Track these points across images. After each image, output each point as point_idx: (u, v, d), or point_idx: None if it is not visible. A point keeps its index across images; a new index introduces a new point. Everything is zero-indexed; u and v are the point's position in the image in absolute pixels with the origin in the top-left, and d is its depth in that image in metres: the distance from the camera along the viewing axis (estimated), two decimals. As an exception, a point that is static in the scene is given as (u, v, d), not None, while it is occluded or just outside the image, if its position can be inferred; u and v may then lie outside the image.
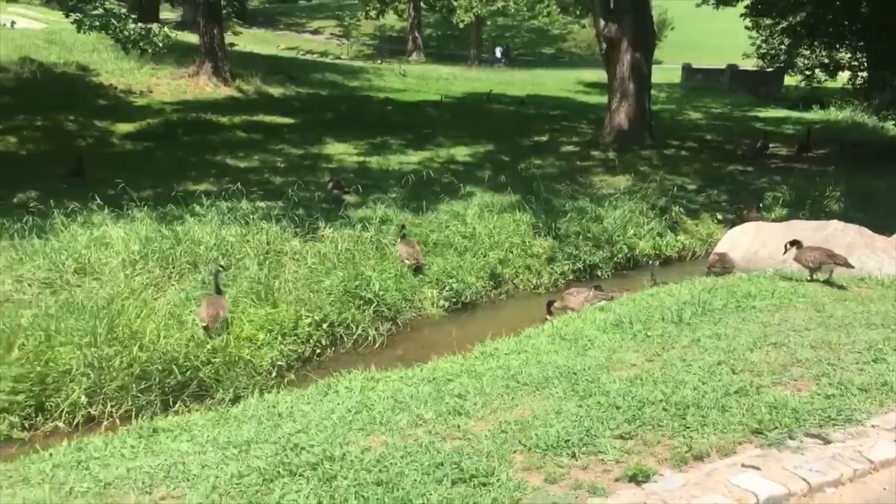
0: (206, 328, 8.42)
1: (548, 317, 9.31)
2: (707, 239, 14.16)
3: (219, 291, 9.03)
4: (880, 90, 24.01)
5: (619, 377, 6.14)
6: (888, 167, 17.92)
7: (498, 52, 46.52)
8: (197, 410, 7.13)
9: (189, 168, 15.81)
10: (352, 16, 50.31)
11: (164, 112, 21.37)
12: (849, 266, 9.04)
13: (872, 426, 5.14)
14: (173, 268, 10.00)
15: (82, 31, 17.94)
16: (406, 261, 11.04)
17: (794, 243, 9.36)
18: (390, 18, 51.10)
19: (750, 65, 34.85)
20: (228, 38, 30.64)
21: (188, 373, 7.92)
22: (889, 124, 24.82)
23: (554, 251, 12.62)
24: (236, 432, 5.56)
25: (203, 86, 24.81)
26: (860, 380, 5.79)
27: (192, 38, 27.50)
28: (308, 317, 9.33)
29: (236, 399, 7.54)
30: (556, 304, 9.63)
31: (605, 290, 9.89)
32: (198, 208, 11.75)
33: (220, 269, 9.46)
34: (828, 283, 9.10)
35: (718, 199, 16.07)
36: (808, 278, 9.22)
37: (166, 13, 48.38)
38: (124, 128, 19.42)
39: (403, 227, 11.68)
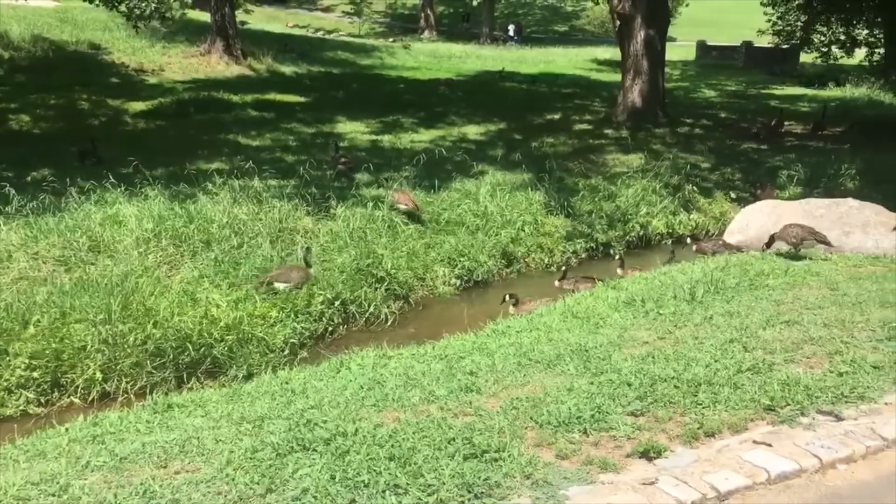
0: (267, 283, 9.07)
1: (511, 309, 9.33)
2: (720, 217, 14.09)
3: (307, 265, 9.46)
4: (898, 67, 23.76)
5: (631, 355, 6.14)
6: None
7: (511, 29, 46.20)
8: (211, 387, 7.21)
9: (201, 146, 15.82)
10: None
11: (175, 91, 21.37)
12: (828, 244, 9.32)
13: (886, 403, 5.13)
14: (186, 246, 10.05)
15: (95, 4, 17.81)
16: (401, 205, 11.42)
17: (772, 237, 9.61)
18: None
19: (765, 42, 34.48)
20: (240, 15, 30.55)
21: (202, 350, 7.97)
22: (906, 101, 24.58)
23: (566, 230, 12.59)
24: (250, 408, 5.60)
25: (214, 64, 24.77)
26: (874, 357, 5.77)
27: (204, 16, 27.46)
28: (320, 295, 9.37)
29: (249, 376, 7.62)
30: (509, 303, 9.51)
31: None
32: (210, 187, 11.77)
33: (309, 249, 9.84)
34: (798, 257, 9.38)
35: (732, 177, 15.94)
36: (786, 251, 9.49)
37: (178, -9, 48.23)
38: (137, 106, 19.45)
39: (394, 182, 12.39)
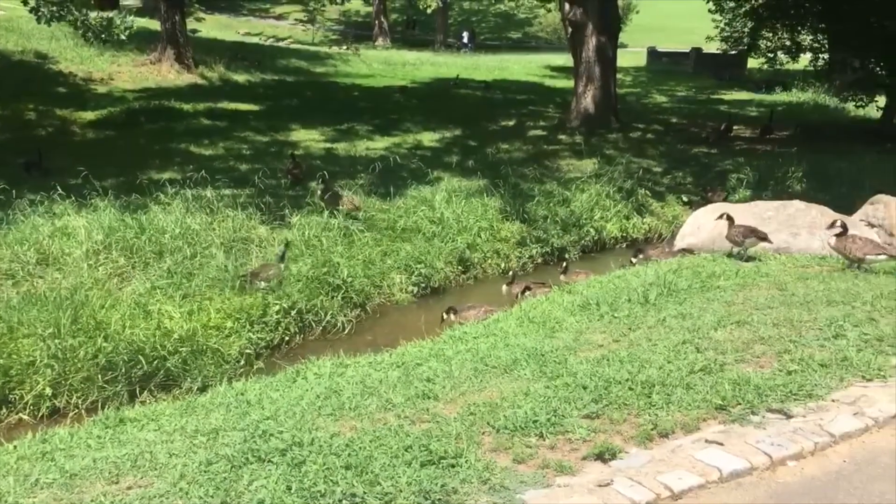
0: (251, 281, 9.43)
1: (446, 316, 9.41)
2: (673, 221, 14.32)
3: (282, 260, 9.76)
4: (841, 72, 24.23)
5: (587, 358, 6.20)
6: (849, 148, 18.23)
7: (464, 36, 46.40)
8: (164, 400, 7.10)
9: (152, 156, 15.58)
10: (317, 0, 49.84)
11: (125, 100, 21.02)
12: (768, 241, 9.69)
13: (833, 400, 5.25)
14: (138, 257, 9.89)
15: (42, 22, 17.41)
16: (345, 206, 11.90)
17: (728, 217, 9.91)
18: (356, 3, 50.77)
19: (714, 48, 35.10)
20: (190, 23, 30.16)
21: (155, 363, 7.84)
22: (850, 105, 25.21)
23: (522, 235, 12.67)
24: (204, 421, 5.53)
25: (165, 73, 24.41)
26: (821, 356, 5.90)
27: (154, 24, 27.06)
28: (276, 304, 9.30)
29: (204, 388, 7.52)
30: (450, 317, 9.47)
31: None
32: (162, 197, 11.60)
33: (286, 246, 10.15)
34: (734, 256, 9.78)
35: (684, 181, 16.24)
36: (735, 252, 9.83)
37: (126, -1, 47.49)
38: (85, 116, 19.08)
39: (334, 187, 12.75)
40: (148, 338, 7.97)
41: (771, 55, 28.09)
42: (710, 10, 29.89)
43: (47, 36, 25.51)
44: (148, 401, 7.33)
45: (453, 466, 4.38)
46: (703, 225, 11.61)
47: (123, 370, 7.66)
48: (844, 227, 8.94)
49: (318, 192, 12.36)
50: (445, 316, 9.47)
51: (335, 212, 11.69)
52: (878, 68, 21.70)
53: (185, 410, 6.03)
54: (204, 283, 9.32)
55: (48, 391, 7.32)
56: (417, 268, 11.09)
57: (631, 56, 37.70)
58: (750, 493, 4.30)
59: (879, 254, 8.73)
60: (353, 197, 12.41)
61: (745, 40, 28.77)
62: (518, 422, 4.92)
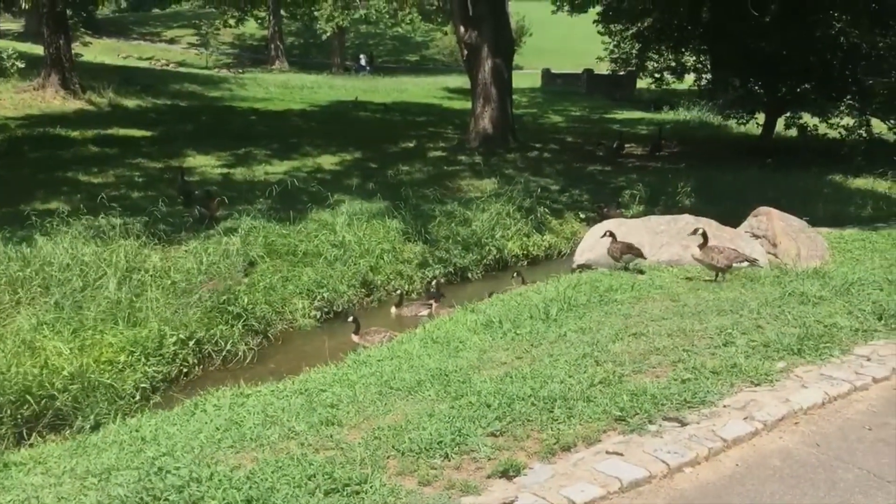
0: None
1: (355, 337, 9.49)
2: (571, 237, 14.63)
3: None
4: (723, 91, 25.46)
5: (490, 376, 6.24)
6: (734, 163, 19.14)
7: (362, 59, 46.55)
8: (53, 441, 6.75)
9: (37, 186, 14.90)
10: (210, 24, 49.06)
11: (7, 128, 20.06)
12: (643, 256, 10.20)
13: (724, 406, 5.44)
14: (23, 292, 9.41)
15: None
16: (205, 210, 12.92)
17: (611, 234, 10.38)
18: (250, 27, 50.18)
19: (604, 69, 36.26)
20: (77, 48, 29.13)
21: (43, 402, 7.45)
22: (732, 122, 26.51)
23: (425, 256, 12.71)
24: (96, 461, 5.29)
25: (50, 99, 23.45)
26: (712, 363, 6.12)
27: (37, 49, 26.01)
28: (173, 335, 8.99)
29: (97, 426, 7.19)
30: (357, 339, 9.50)
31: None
32: (49, 227, 11.09)
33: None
34: (627, 269, 10.21)
35: (580, 198, 16.66)
36: (616, 267, 10.30)
37: (7, 23, 45.65)
38: (-38, 146, 18.12)
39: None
40: (35, 376, 7.58)
41: (658, 76, 29.23)
42: (599, 33, 30.91)
43: (-82, 63, 24.20)
44: (36, 443, 6.95)
45: (358, 493, 4.32)
46: (599, 241, 11.91)
47: (9, 412, 7.24)
48: (705, 236, 9.31)
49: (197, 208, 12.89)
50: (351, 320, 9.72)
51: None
52: (756, 87, 22.90)
53: (75, 451, 5.75)
54: (97, 316, 8.94)
55: (-76, 439, 6.86)
56: (320, 292, 10.97)
57: (526, 77, 38.61)
58: (649, 501, 4.41)
59: (742, 260, 9.20)
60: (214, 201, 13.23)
61: (634, 61, 29.85)
62: (423, 443, 4.89)
